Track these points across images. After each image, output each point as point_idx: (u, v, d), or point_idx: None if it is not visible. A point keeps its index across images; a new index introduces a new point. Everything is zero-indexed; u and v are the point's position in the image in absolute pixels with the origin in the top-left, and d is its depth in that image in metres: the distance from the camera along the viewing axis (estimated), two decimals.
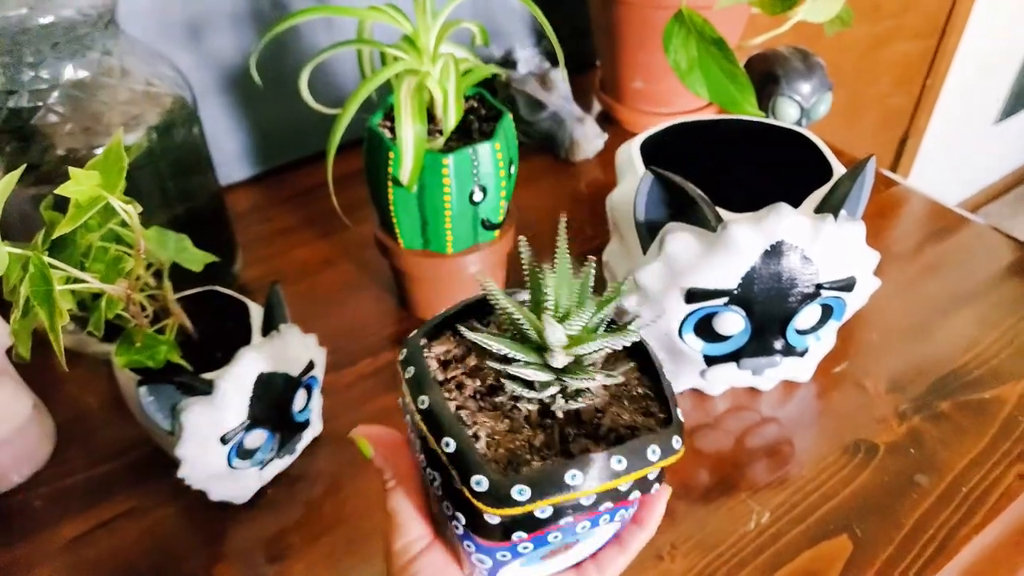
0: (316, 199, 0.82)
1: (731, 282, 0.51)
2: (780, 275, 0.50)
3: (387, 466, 0.35)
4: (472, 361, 0.34)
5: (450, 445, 0.30)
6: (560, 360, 0.31)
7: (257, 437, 0.50)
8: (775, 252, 0.50)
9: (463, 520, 0.31)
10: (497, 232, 0.63)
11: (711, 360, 0.56)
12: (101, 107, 0.55)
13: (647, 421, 0.32)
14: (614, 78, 0.89)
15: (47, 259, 0.38)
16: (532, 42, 0.97)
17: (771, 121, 0.62)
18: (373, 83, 0.55)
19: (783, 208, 0.49)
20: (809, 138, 0.59)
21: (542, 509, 0.29)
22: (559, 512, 0.30)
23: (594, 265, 0.33)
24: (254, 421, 0.49)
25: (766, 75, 0.77)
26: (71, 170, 0.38)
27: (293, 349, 0.51)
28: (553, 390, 0.31)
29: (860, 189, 0.52)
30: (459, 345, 0.35)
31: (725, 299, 0.51)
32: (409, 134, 0.53)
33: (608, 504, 0.31)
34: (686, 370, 0.58)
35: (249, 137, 0.84)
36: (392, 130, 0.58)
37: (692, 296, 0.51)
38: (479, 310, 0.36)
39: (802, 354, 0.56)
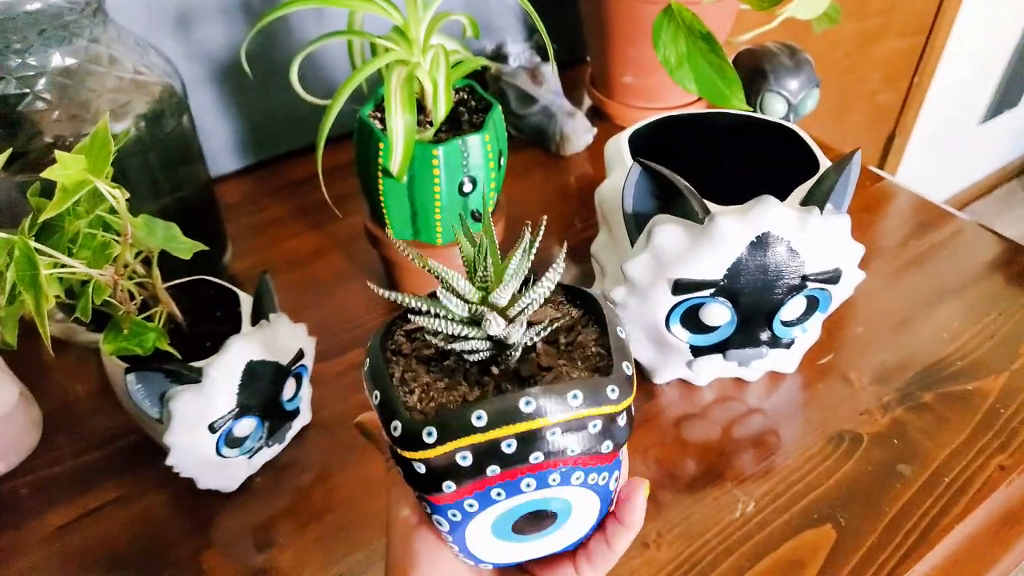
0: (307, 190, 0.82)
1: (717, 273, 0.51)
2: (766, 267, 0.51)
3: (385, 446, 0.37)
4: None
5: (377, 397, 0.32)
6: (495, 327, 0.31)
7: (246, 425, 0.50)
8: (761, 244, 0.50)
9: (402, 474, 0.32)
10: None
11: (698, 351, 0.56)
12: (89, 95, 0.55)
13: (593, 375, 0.32)
14: (604, 73, 0.89)
15: (34, 244, 0.38)
16: (524, 36, 0.98)
17: (758, 115, 0.63)
18: (363, 73, 0.55)
19: (769, 200, 0.49)
20: (796, 132, 0.60)
21: (462, 456, 0.30)
22: (480, 459, 0.30)
23: (529, 235, 0.33)
24: (243, 409, 0.49)
25: (754, 71, 0.78)
26: (58, 154, 0.38)
27: (282, 338, 0.51)
28: (479, 344, 0.32)
29: (846, 182, 0.53)
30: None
31: (711, 290, 0.52)
32: (399, 124, 0.53)
33: (538, 455, 0.30)
34: (673, 361, 0.59)
35: (239, 128, 0.84)
36: (382, 121, 0.58)
37: (679, 287, 0.52)
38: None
39: (788, 346, 0.57)
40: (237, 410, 0.48)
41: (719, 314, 0.53)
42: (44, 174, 0.38)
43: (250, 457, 0.52)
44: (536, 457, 0.30)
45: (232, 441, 0.50)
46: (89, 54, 0.55)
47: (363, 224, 0.65)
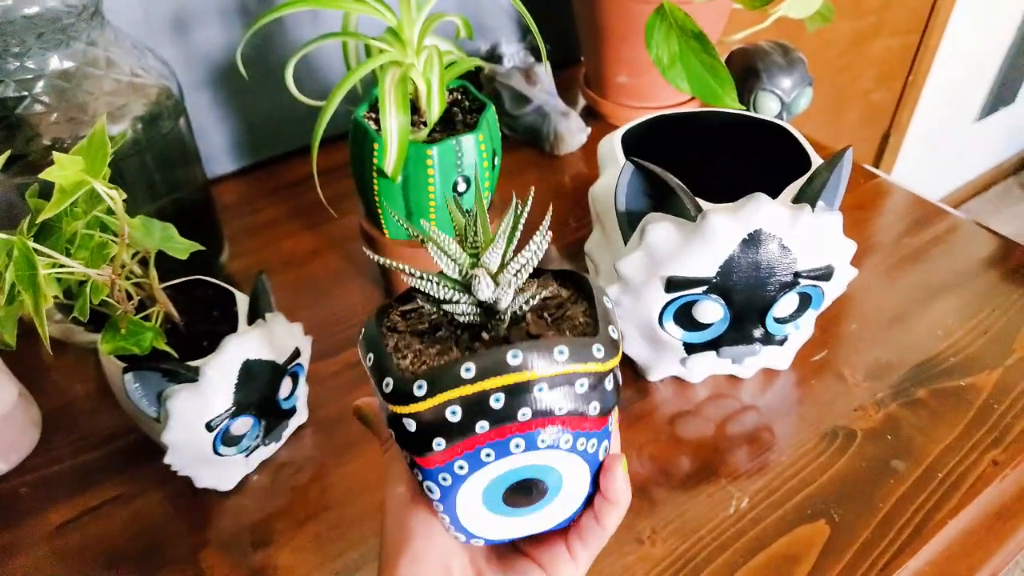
0: (303, 191, 0.82)
1: (710, 271, 0.52)
2: (758, 264, 0.51)
3: (382, 429, 0.38)
4: (427, 309, 0.36)
5: (371, 359, 0.33)
6: (485, 289, 0.32)
7: (243, 424, 0.50)
8: (753, 241, 0.50)
9: (395, 437, 0.33)
10: None
11: (691, 348, 0.57)
12: (86, 97, 0.55)
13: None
14: (598, 73, 0.90)
15: (32, 244, 0.39)
16: (518, 37, 0.98)
17: (750, 113, 0.63)
18: (357, 74, 0.55)
19: (761, 198, 0.50)
20: (788, 130, 0.60)
21: (452, 410, 0.30)
22: (469, 414, 0.31)
23: (518, 205, 0.34)
24: (240, 408, 0.49)
25: (747, 69, 0.78)
26: (55, 155, 0.39)
27: (279, 337, 0.51)
28: (465, 307, 0.33)
29: (837, 180, 0.53)
30: (423, 305, 0.37)
31: (704, 288, 0.52)
32: (393, 125, 0.54)
33: (525, 411, 0.31)
34: (667, 358, 0.59)
35: (236, 130, 0.84)
36: (377, 122, 0.58)
37: (672, 285, 0.52)
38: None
39: (781, 342, 0.57)
40: (234, 409, 0.49)
41: (712, 311, 0.54)
42: (42, 175, 0.39)
43: (247, 455, 0.53)
44: (524, 414, 0.31)
45: (229, 439, 0.50)
46: (87, 57, 0.55)
47: (359, 224, 0.65)
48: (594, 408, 0.32)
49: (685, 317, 0.55)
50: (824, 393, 0.61)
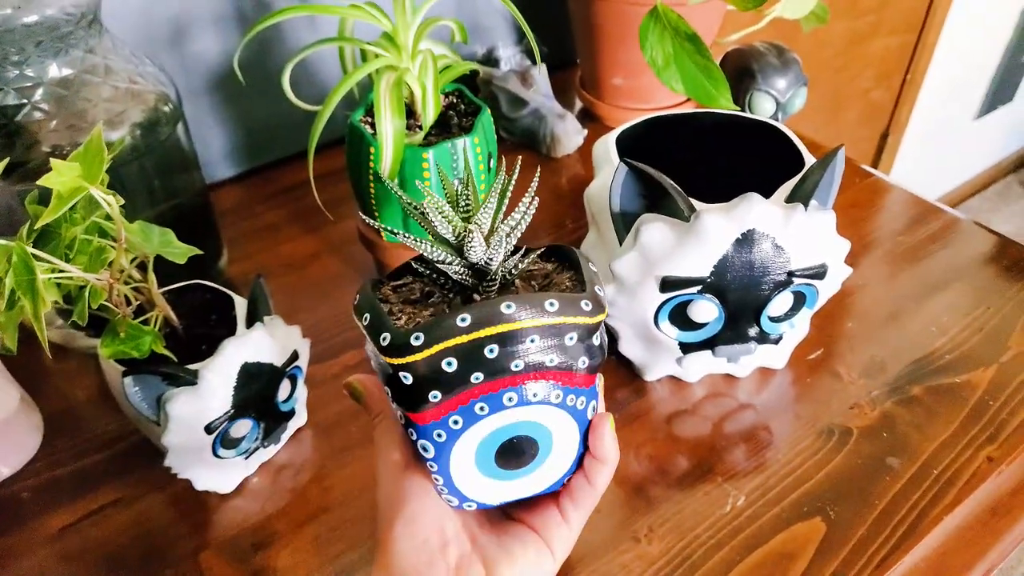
0: (300, 196, 0.83)
1: (704, 271, 0.52)
2: (752, 263, 0.52)
3: (373, 403, 0.40)
4: (418, 285, 0.37)
5: (367, 319, 0.33)
6: (478, 248, 0.34)
7: (242, 426, 0.51)
8: (747, 240, 0.51)
9: (391, 395, 0.33)
10: None
11: (687, 348, 0.57)
12: (85, 104, 0.56)
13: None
14: (594, 75, 0.90)
15: (31, 250, 0.39)
16: (514, 40, 0.99)
17: (744, 114, 0.64)
18: (353, 79, 0.56)
19: (754, 197, 0.50)
20: (781, 130, 0.61)
21: (447, 361, 0.31)
22: (465, 364, 0.32)
23: (504, 175, 0.36)
24: (239, 410, 0.50)
25: (742, 70, 0.79)
26: (53, 161, 0.39)
27: (277, 340, 0.52)
28: (456, 268, 0.35)
29: (830, 179, 0.54)
30: (414, 281, 0.38)
31: (699, 287, 0.53)
32: (389, 128, 0.54)
33: (518, 363, 0.32)
34: (663, 358, 0.59)
35: (234, 135, 0.85)
36: (373, 125, 0.59)
37: (666, 285, 0.53)
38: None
39: (776, 341, 0.58)
40: (233, 411, 0.49)
41: (707, 311, 0.54)
42: (40, 181, 0.39)
43: (246, 458, 0.53)
44: (517, 365, 0.32)
45: (228, 442, 0.50)
46: (85, 65, 0.56)
47: (356, 228, 0.65)
48: (583, 363, 0.34)
49: (680, 317, 0.55)
50: (820, 391, 0.62)
